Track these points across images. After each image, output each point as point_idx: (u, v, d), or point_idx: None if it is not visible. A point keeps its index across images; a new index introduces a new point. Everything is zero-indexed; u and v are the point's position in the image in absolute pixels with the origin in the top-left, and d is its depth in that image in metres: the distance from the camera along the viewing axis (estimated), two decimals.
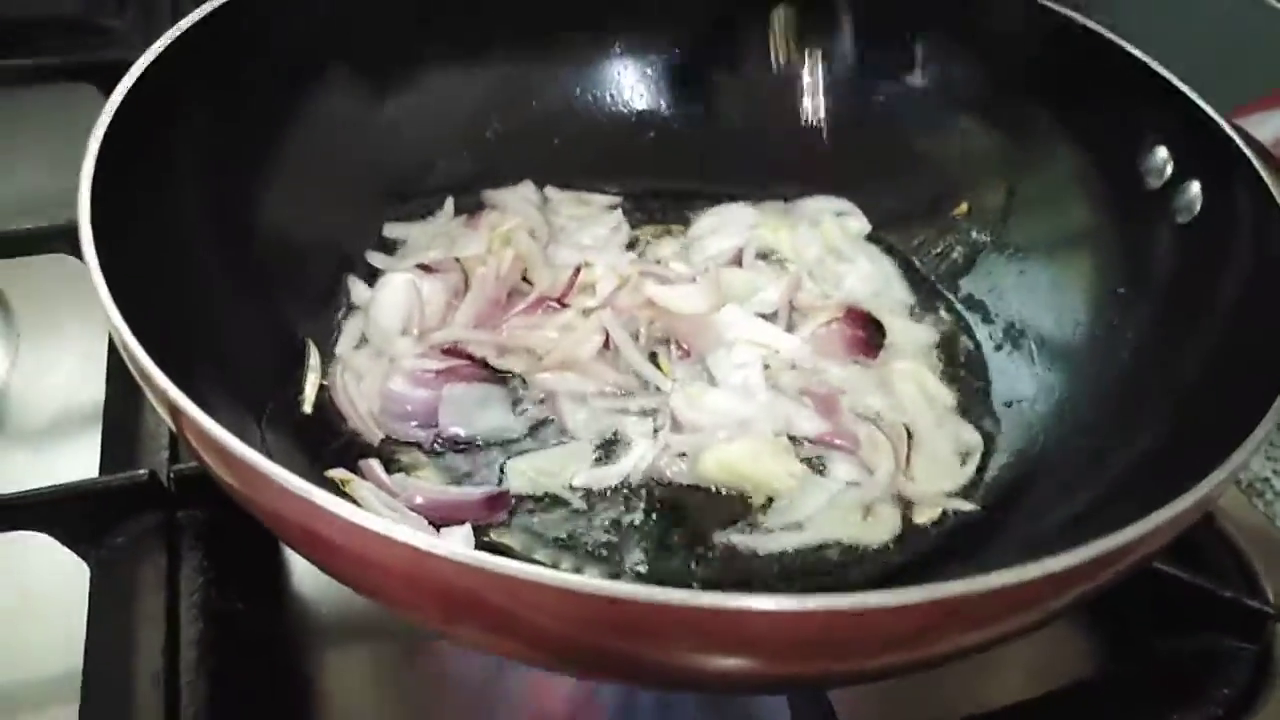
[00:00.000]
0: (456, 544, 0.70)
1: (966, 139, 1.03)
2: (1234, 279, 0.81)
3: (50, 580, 0.81)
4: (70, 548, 0.80)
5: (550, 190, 1.11)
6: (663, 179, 1.14)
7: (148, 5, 1.42)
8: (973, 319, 1.01)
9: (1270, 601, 0.83)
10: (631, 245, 1.07)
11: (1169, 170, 0.90)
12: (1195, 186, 0.87)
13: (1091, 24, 0.94)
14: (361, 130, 0.97)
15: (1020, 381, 0.94)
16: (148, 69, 0.79)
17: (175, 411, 0.59)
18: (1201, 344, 0.79)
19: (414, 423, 0.85)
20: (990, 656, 0.64)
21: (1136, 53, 0.91)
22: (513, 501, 0.82)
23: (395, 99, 1.00)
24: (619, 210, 1.10)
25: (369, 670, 0.79)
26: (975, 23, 1.01)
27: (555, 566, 0.77)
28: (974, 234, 1.03)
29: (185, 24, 0.83)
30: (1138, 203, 0.90)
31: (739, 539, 0.81)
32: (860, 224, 1.10)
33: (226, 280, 0.84)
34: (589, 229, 1.07)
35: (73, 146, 1.25)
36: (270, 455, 0.73)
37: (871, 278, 1.04)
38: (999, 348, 0.98)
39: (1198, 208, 0.86)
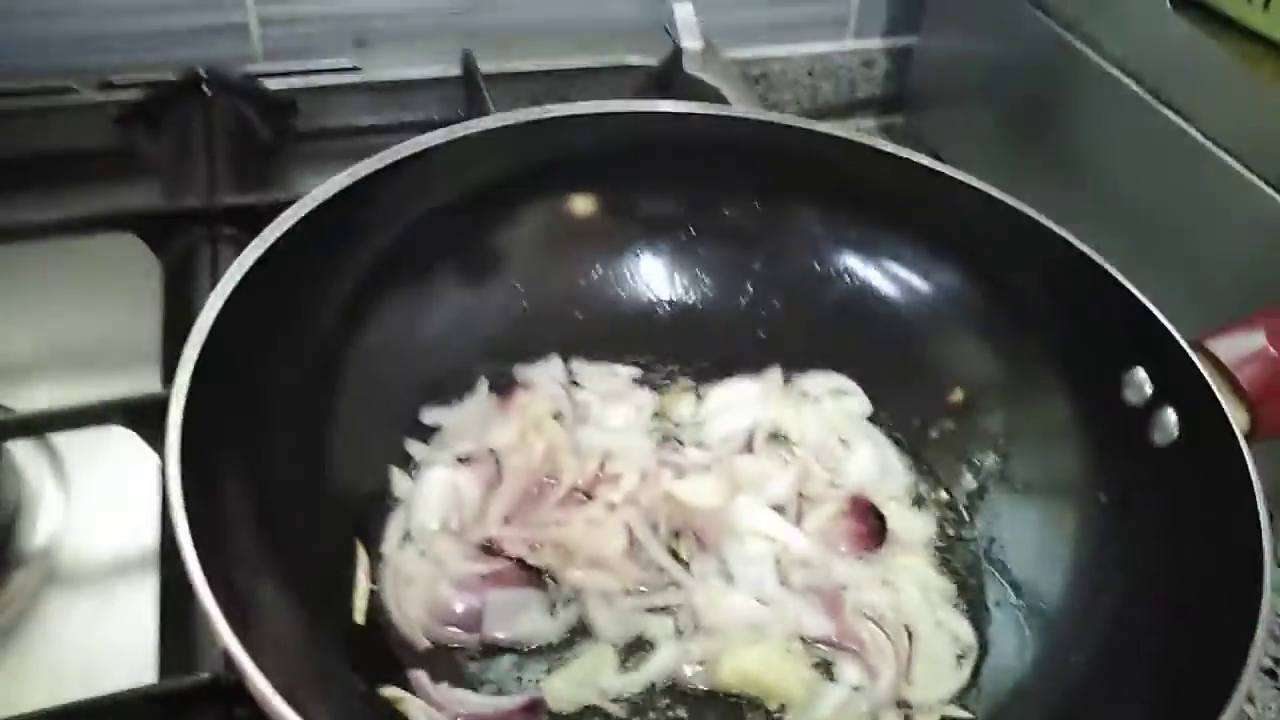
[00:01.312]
0: None
1: (966, 347, 1.12)
2: (1203, 514, 0.90)
3: None
4: None
5: (576, 364, 1.18)
6: (678, 349, 1.22)
7: (181, 128, 1.48)
8: (966, 513, 1.08)
9: None
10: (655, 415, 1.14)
11: (1148, 391, 0.98)
12: (1171, 413, 0.95)
13: (1084, 249, 1.02)
14: (414, 336, 1.05)
15: (1009, 585, 1.02)
16: (249, 265, 0.87)
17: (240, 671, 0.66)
18: (1181, 582, 0.88)
19: (459, 628, 0.92)
20: None
21: (1124, 281, 0.99)
22: (552, 713, 0.88)
23: (442, 305, 1.08)
24: (643, 389, 1.17)
25: None
26: (977, 238, 1.10)
27: None
28: (971, 436, 1.11)
29: (293, 212, 0.92)
30: (1121, 421, 0.99)
31: None
32: (861, 404, 1.18)
33: (296, 481, 0.91)
34: (614, 408, 1.14)
35: (106, 292, 1.31)
36: (326, 674, 0.82)
37: (873, 463, 1.12)
38: (990, 544, 1.05)
39: (1174, 433, 0.95)
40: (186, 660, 0.90)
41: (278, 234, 0.91)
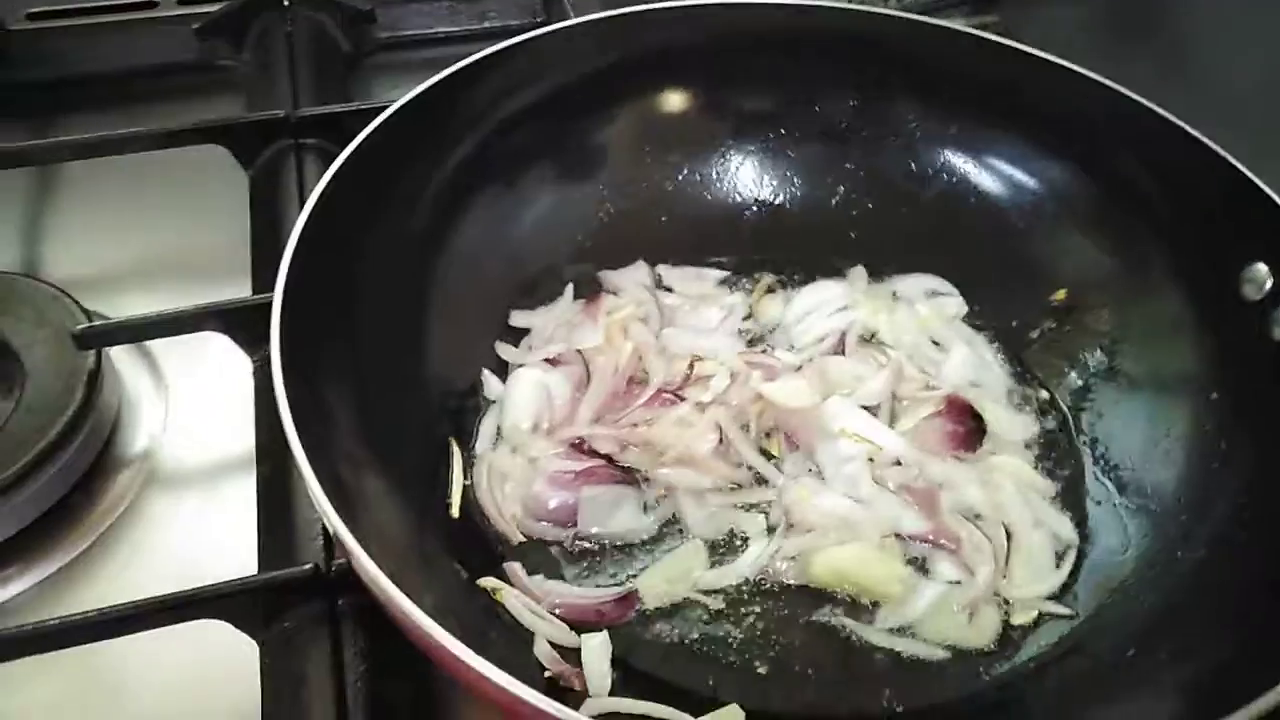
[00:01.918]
0: (594, 672, 0.79)
1: (1071, 242, 1.07)
2: None
3: (226, 659, 0.90)
4: (244, 631, 0.90)
5: (664, 269, 1.17)
6: (765, 252, 1.19)
7: (265, 43, 1.48)
8: (1069, 412, 1.05)
9: None
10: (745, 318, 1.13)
11: (1269, 285, 0.93)
12: None
13: (1201, 137, 0.97)
14: (503, 238, 1.05)
15: (1113, 483, 0.99)
16: (341, 168, 0.87)
17: (341, 545, 0.68)
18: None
19: (554, 523, 0.93)
20: None
21: (1242, 169, 0.94)
22: (646, 608, 0.89)
23: (530, 207, 1.07)
24: (731, 293, 1.15)
25: None
26: (1088, 129, 1.04)
27: (695, 683, 0.85)
28: (1075, 335, 1.07)
29: (382, 119, 0.92)
30: (1237, 315, 0.94)
31: (857, 629, 0.89)
32: (958, 306, 1.14)
33: (393, 379, 0.92)
34: (701, 311, 1.13)
35: (195, 203, 1.33)
36: (427, 562, 0.83)
37: (970, 364, 1.09)
38: (1093, 442, 1.02)
39: None
40: (286, 554, 0.92)
41: (366, 138, 0.91)
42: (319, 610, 0.88)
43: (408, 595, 0.66)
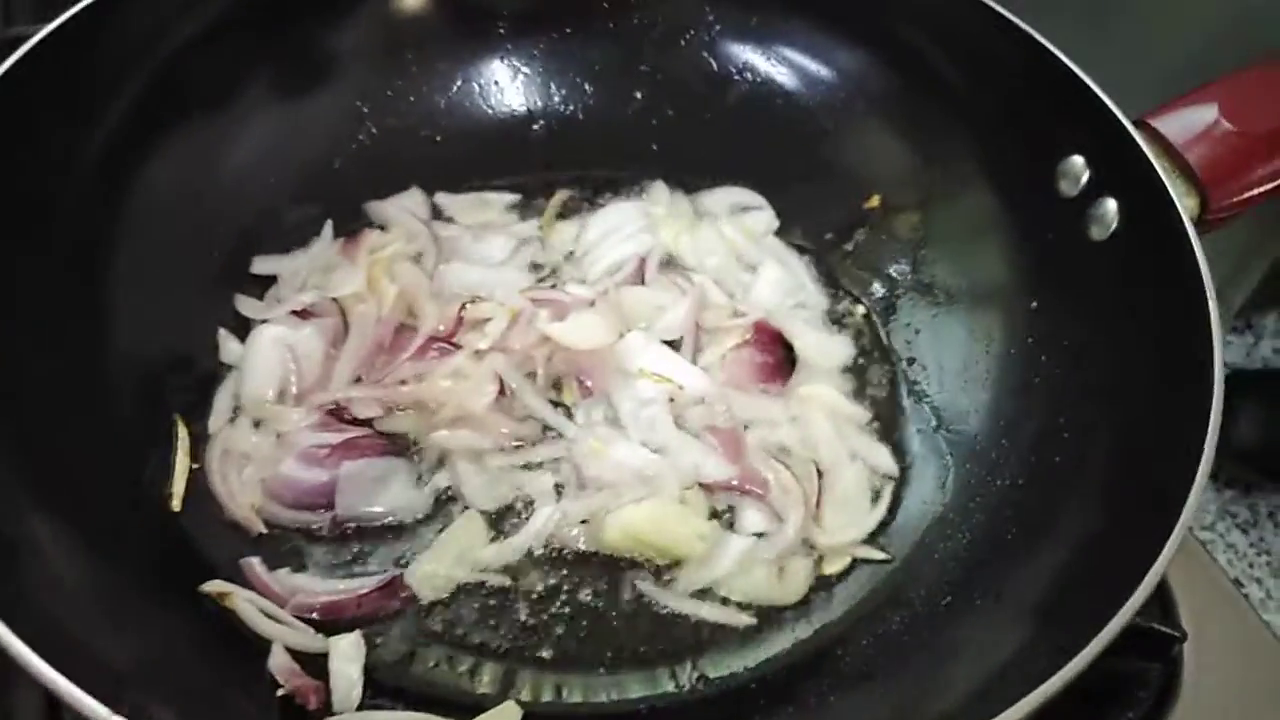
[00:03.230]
0: (342, 680, 0.67)
1: (878, 140, 0.97)
2: (1146, 313, 0.78)
3: None
4: None
5: (442, 197, 1.02)
6: (557, 170, 1.06)
7: None
8: (884, 331, 0.96)
9: (1178, 624, 0.84)
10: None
11: (1084, 179, 0.85)
12: (1111, 203, 0.83)
13: (1009, 15, 0.87)
14: (218, 171, 0.88)
15: (932, 403, 0.91)
16: None
17: None
18: (1116, 394, 0.77)
19: (306, 509, 0.80)
20: None
21: (1055, 51, 0.85)
22: (421, 601, 0.77)
23: (252, 130, 0.91)
24: (521, 220, 1.02)
25: None
26: (886, 13, 0.93)
27: (475, 675, 0.74)
28: (888, 245, 0.98)
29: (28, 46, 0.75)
30: (1054, 215, 0.86)
31: (653, 593, 0.79)
32: (767, 220, 1.03)
33: (65, 362, 0.76)
34: (486, 242, 0.99)
35: None
36: (122, 587, 0.68)
37: (781, 283, 0.98)
38: (911, 361, 0.94)
39: (1113, 225, 0.82)
40: None
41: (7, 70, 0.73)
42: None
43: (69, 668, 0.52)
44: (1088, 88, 0.83)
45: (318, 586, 0.76)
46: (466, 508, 0.82)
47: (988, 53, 0.88)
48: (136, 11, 0.81)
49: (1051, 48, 0.86)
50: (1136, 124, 0.83)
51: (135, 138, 0.82)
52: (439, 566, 0.79)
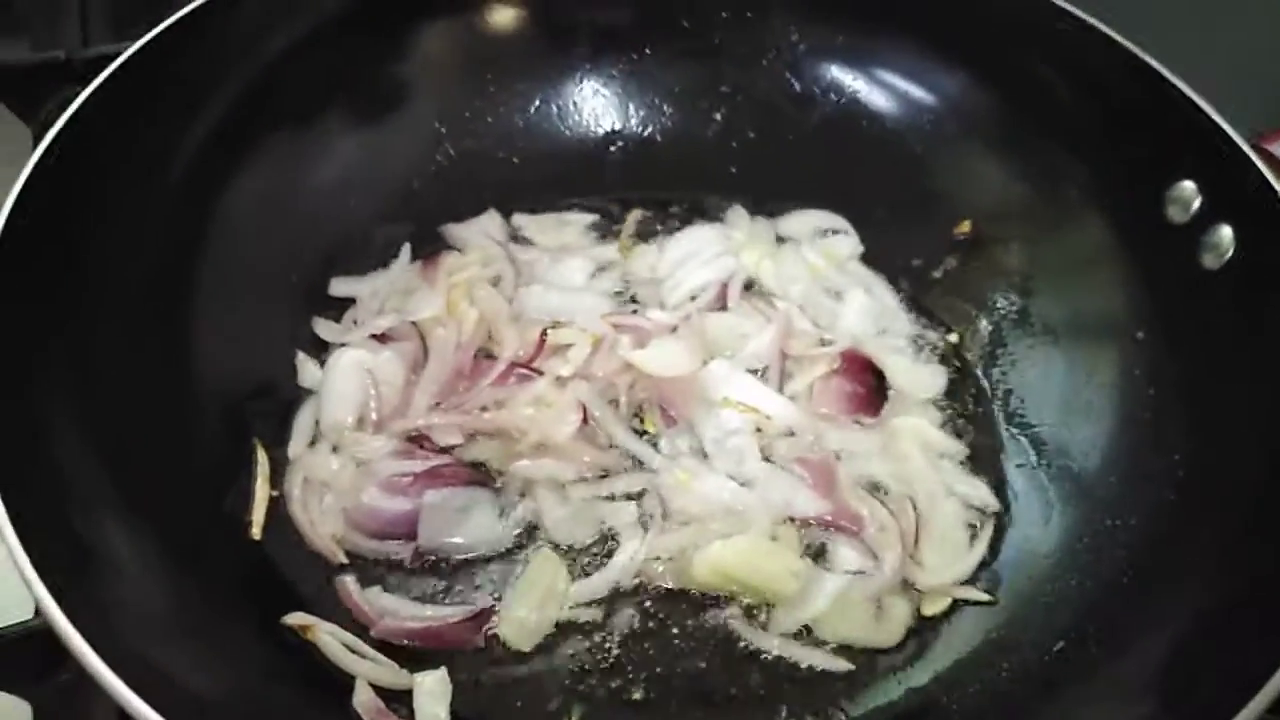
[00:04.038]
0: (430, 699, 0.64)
1: (976, 165, 0.94)
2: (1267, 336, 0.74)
3: None
4: (12, 691, 0.73)
5: (520, 217, 1.01)
6: (637, 190, 1.04)
7: None
8: (978, 361, 0.92)
9: None
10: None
11: (1195, 206, 0.81)
12: (1226, 230, 0.79)
13: (1117, 37, 0.83)
14: (301, 190, 0.87)
15: (1031, 436, 0.87)
16: (47, 150, 0.71)
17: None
18: (1232, 430, 0.73)
19: (388, 539, 0.78)
20: None
21: (1166, 73, 0.81)
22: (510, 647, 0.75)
23: (334, 151, 0.90)
24: (600, 242, 1.00)
25: None
26: (989, 31, 0.90)
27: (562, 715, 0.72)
28: (982, 273, 0.94)
29: (119, 62, 0.75)
30: (1163, 243, 0.82)
31: (746, 633, 0.76)
32: (852, 244, 1.00)
33: (145, 395, 0.74)
34: (564, 264, 0.97)
35: None
36: (202, 619, 0.66)
37: (869, 310, 0.95)
38: (1007, 394, 0.90)
39: (1229, 254, 0.78)
40: None
41: (99, 87, 0.73)
42: None
43: (142, 686, 0.50)
44: (1200, 109, 0.80)
45: (407, 610, 0.74)
46: (544, 545, 0.80)
47: (1094, 73, 0.85)
48: (227, 27, 0.81)
49: (1161, 68, 0.82)
50: (1252, 146, 0.79)
51: (222, 152, 0.82)
52: (527, 612, 0.75)
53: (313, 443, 0.83)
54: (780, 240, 1.01)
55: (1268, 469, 0.71)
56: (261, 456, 0.80)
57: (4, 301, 0.62)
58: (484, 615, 0.75)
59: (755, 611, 0.78)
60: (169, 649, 0.58)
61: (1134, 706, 0.64)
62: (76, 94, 1.08)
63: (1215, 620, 0.65)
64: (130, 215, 0.74)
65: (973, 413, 0.89)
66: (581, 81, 1.04)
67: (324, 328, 0.89)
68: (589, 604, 0.77)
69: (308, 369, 0.86)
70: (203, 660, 0.60)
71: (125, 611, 0.58)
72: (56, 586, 0.52)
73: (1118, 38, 0.84)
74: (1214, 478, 0.74)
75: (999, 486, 0.85)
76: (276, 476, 0.80)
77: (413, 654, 0.73)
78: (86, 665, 0.51)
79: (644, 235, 1.01)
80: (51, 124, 1.07)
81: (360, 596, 0.75)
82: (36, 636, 0.71)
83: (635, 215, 1.02)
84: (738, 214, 1.02)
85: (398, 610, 0.75)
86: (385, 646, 0.72)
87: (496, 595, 0.77)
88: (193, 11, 0.78)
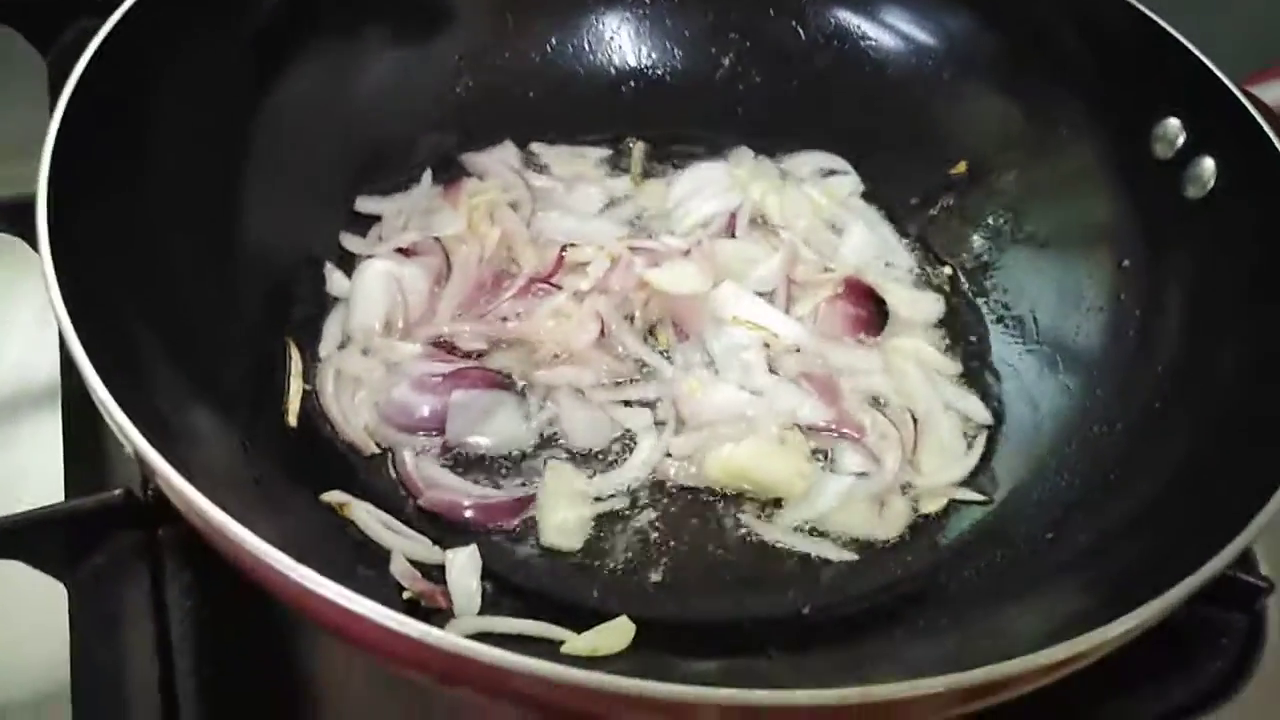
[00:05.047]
0: (461, 588, 0.69)
1: (975, 105, 0.99)
2: (1246, 259, 0.80)
3: (28, 607, 0.77)
4: (47, 572, 0.76)
5: (537, 146, 1.05)
6: (647, 128, 1.08)
7: None
8: (973, 286, 0.98)
9: (1263, 575, 0.84)
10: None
11: (1180, 142, 0.87)
12: (1209, 162, 0.84)
13: None
14: (330, 107, 0.90)
15: (1023, 357, 0.92)
16: (106, 40, 0.72)
17: (153, 471, 0.55)
18: (1213, 344, 0.78)
19: (417, 431, 0.81)
20: None
21: (1155, 18, 0.87)
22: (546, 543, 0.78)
23: (370, 68, 0.93)
24: (612, 174, 1.04)
25: (364, 671, 0.77)
26: None
27: (578, 596, 0.75)
28: (979, 203, 0.99)
29: None
30: (1149, 174, 0.87)
31: (759, 528, 0.80)
32: (853, 183, 1.05)
33: (198, 276, 0.78)
34: (578, 193, 1.01)
35: None
36: (259, 481, 0.71)
37: (869, 243, 1.00)
38: (1000, 319, 0.95)
39: (1210, 184, 0.84)
40: (97, 479, 0.79)
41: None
42: (135, 542, 0.75)
43: (235, 519, 0.53)
44: (1187, 50, 0.85)
45: (456, 484, 0.78)
46: (564, 450, 0.83)
47: (1089, 16, 0.90)
48: None
49: (1150, 13, 0.88)
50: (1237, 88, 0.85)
51: (275, 46, 0.85)
52: (563, 515, 0.79)
53: (342, 345, 0.86)
54: (782, 178, 1.05)
55: (1243, 381, 0.76)
56: (294, 353, 0.83)
57: (77, 216, 0.65)
58: (523, 501, 0.79)
59: (765, 509, 0.82)
60: (240, 497, 0.62)
61: (1101, 589, 0.69)
62: (96, 26, 1.11)
63: (1184, 501, 0.70)
64: (185, 111, 0.77)
65: (969, 334, 0.94)
66: (597, 22, 1.08)
67: (351, 241, 0.93)
68: (612, 495, 0.81)
69: (335, 278, 0.90)
70: (271, 518, 0.64)
71: (202, 461, 0.62)
72: (154, 441, 0.55)
73: None
74: (1195, 387, 0.79)
75: (993, 400, 0.90)
76: (309, 373, 0.83)
77: (444, 531, 0.76)
78: (182, 500, 0.54)
79: (652, 171, 1.05)
80: (69, 55, 1.10)
81: (414, 465, 0.79)
82: (67, 520, 0.75)
83: (640, 148, 1.06)
84: (742, 153, 1.06)
85: (445, 482, 0.79)
86: (418, 526, 0.76)
87: (524, 486, 0.80)
88: None
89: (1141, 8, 0.88)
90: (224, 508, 0.55)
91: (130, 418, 0.56)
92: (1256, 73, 0.87)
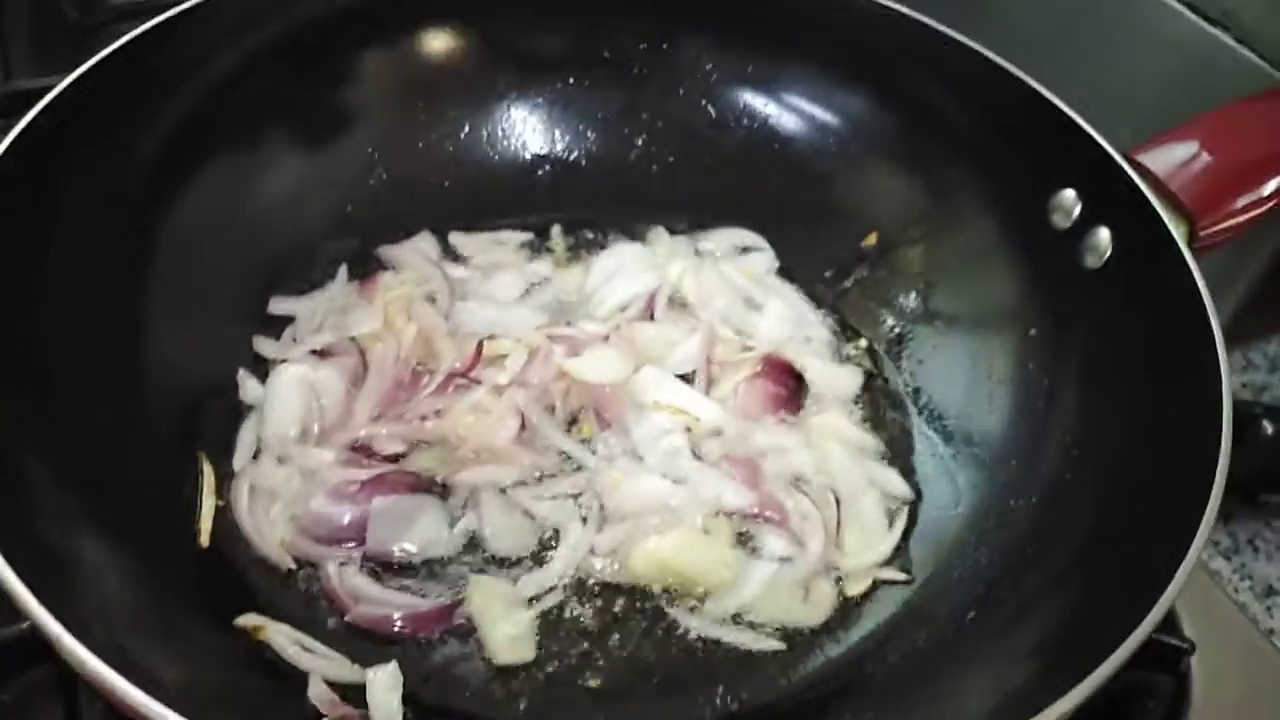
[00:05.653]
0: (381, 709, 0.67)
1: (879, 181, 1.01)
2: (1144, 335, 0.82)
3: None
4: None
5: (455, 236, 1.05)
6: (565, 211, 1.09)
7: None
8: (889, 361, 0.99)
9: (1186, 637, 0.86)
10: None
11: (1077, 212, 0.89)
12: (1104, 232, 0.87)
13: (1003, 62, 0.92)
14: (236, 215, 0.90)
15: (939, 430, 0.94)
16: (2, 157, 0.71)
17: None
18: (1110, 413, 0.80)
19: (337, 544, 0.80)
20: None
21: (1047, 94, 0.90)
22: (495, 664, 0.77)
23: (275, 174, 0.92)
24: (532, 258, 1.04)
25: None
26: (885, 59, 0.98)
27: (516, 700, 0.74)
28: (889, 279, 1.01)
29: (67, 81, 0.78)
30: (1048, 246, 0.90)
31: (688, 621, 0.80)
32: (768, 260, 1.07)
33: (98, 396, 0.76)
34: (496, 279, 1.01)
35: None
36: (161, 611, 0.69)
37: (787, 318, 1.01)
38: (916, 390, 0.97)
39: (1107, 253, 0.87)
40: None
41: (47, 106, 0.75)
42: (45, 677, 0.72)
43: (113, 665, 0.52)
44: (1077, 126, 0.88)
45: (382, 597, 0.77)
46: (488, 554, 0.83)
47: (982, 94, 0.93)
48: (167, 54, 0.83)
49: (1042, 89, 0.91)
50: (1124, 159, 0.88)
51: (173, 167, 0.84)
52: (508, 628, 0.77)
53: (256, 455, 0.85)
54: (699, 256, 1.06)
55: (1147, 449, 0.78)
56: (207, 468, 0.82)
57: None
58: (452, 608, 0.78)
59: (691, 601, 0.82)
60: (142, 644, 0.60)
61: (1031, 664, 0.70)
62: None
63: (1103, 576, 0.71)
64: (80, 237, 0.76)
65: (886, 409, 0.96)
66: (508, 108, 1.08)
67: (264, 345, 0.91)
68: (545, 594, 0.80)
69: (249, 385, 0.88)
70: (173, 654, 0.62)
71: (97, 611, 0.60)
72: (35, 589, 0.54)
73: (1002, 62, 0.93)
74: (1096, 456, 0.81)
75: (912, 476, 0.91)
76: (222, 488, 0.82)
77: (362, 650, 0.75)
78: (72, 659, 0.53)
79: (573, 256, 1.06)
80: None
81: (339, 579, 0.78)
82: None
83: (557, 231, 1.06)
84: (657, 234, 1.07)
85: (376, 595, 0.78)
86: (336, 643, 0.74)
87: (454, 592, 0.79)
88: (130, 42, 0.81)
89: (1029, 81, 0.91)
90: (107, 649, 0.54)
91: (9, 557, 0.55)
92: (1151, 139, 0.89)
